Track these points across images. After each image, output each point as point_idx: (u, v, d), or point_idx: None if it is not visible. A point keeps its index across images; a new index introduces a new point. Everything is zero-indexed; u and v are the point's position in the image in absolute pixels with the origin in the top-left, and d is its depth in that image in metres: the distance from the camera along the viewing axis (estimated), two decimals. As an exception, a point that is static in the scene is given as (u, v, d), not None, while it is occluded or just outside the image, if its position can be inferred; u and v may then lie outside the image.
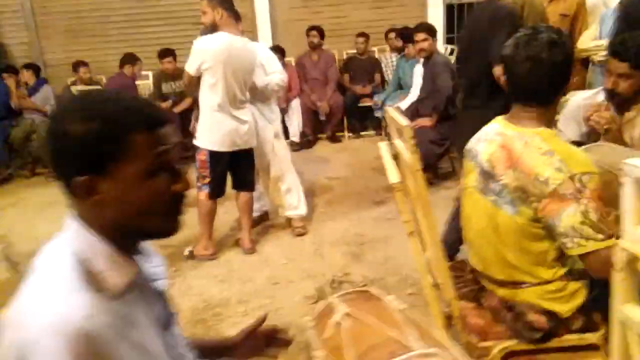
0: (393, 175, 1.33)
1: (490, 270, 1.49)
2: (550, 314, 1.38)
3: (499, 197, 1.40)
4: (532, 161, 1.32)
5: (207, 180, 3.08)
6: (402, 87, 5.47)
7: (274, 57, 3.52)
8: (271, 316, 2.00)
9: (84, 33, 6.41)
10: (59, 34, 6.44)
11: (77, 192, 0.81)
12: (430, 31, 3.96)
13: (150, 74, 5.92)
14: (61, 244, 0.85)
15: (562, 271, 1.39)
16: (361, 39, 6.06)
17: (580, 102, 2.13)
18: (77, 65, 5.70)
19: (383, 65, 6.22)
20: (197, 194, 3.12)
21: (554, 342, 1.38)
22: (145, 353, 0.83)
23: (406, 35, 5.22)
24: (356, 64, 6.15)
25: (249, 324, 1.18)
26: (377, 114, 5.63)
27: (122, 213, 0.83)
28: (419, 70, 4.47)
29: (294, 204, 3.57)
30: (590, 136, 2.05)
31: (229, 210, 3.81)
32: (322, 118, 5.92)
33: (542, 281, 1.39)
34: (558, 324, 1.38)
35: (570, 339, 1.39)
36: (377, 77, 6.15)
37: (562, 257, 1.39)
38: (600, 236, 1.23)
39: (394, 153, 1.60)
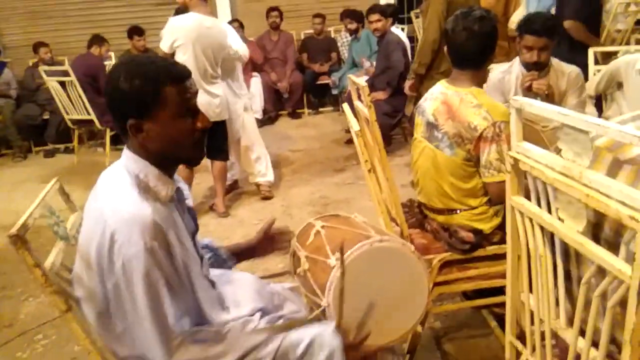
0: (355, 124, 1.70)
1: (432, 202, 1.89)
2: (476, 232, 1.80)
3: (440, 142, 1.80)
4: (466, 113, 1.71)
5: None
6: (356, 65, 5.83)
7: (237, 37, 3.80)
8: (250, 265, 2.36)
9: (43, 15, 6.43)
10: (17, 15, 6.43)
11: (129, 131, 1.14)
12: (383, 12, 4.33)
13: (112, 54, 6.03)
14: (120, 168, 1.18)
15: (485, 199, 1.80)
16: (318, 20, 6.38)
17: (499, 75, 2.55)
18: (37, 46, 5.74)
19: (339, 44, 6.56)
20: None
21: (480, 252, 1.81)
22: (182, 245, 1.18)
23: (357, 15, 5.58)
24: (313, 44, 6.48)
25: (261, 227, 1.55)
26: (335, 91, 5.98)
27: (162, 145, 1.15)
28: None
29: (263, 171, 3.91)
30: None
31: (201, 182, 4.12)
32: (285, 96, 6.23)
33: (471, 207, 1.81)
34: (482, 238, 1.80)
35: (491, 249, 1.81)
36: (334, 56, 6.49)
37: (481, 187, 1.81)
38: (505, 169, 1.64)
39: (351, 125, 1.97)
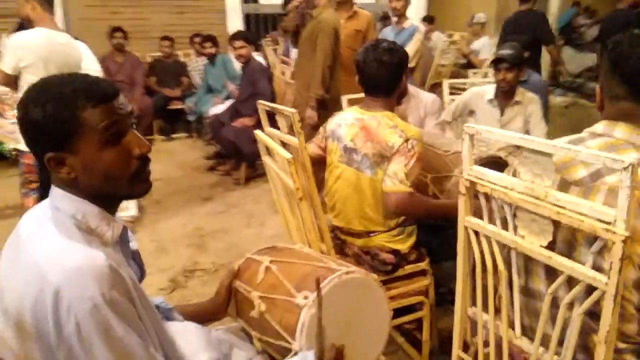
0: (285, 153, 1.64)
1: (351, 225, 1.91)
2: (395, 252, 1.87)
3: (360, 164, 1.83)
4: (384, 133, 1.78)
5: (35, 185, 2.89)
6: (212, 90, 5.70)
7: (92, 56, 3.45)
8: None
9: None
10: None
11: (50, 166, 0.94)
12: (247, 39, 4.33)
13: None
14: (49, 209, 0.97)
15: (401, 219, 1.89)
16: (166, 43, 6.10)
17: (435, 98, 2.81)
18: None
19: (190, 69, 6.36)
20: (24, 200, 2.91)
21: (399, 272, 1.88)
22: (139, 292, 1.00)
23: (214, 40, 5.50)
24: (162, 67, 6.17)
25: (220, 281, 1.36)
26: (191, 117, 5.75)
27: (92, 180, 0.96)
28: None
29: (124, 205, 3.54)
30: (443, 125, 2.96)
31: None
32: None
33: (389, 228, 1.87)
34: (401, 258, 1.88)
35: (409, 267, 1.90)
36: (185, 80, 6.26)
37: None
38: (407, 183, 1.74)
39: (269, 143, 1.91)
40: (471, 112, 3.20)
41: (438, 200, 1.93)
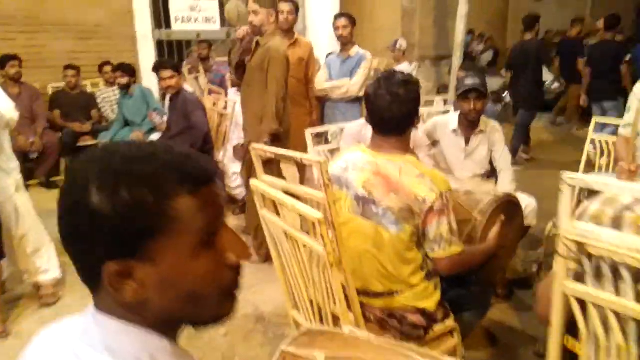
0: (314, 212, 1.35)
1: (369, 285, 1.66)
2: (422, 312, 1.65)
3: (382, 218, 1.59)
4: (410, 184, 1.56)
5: None
6: (128, 124, 5.16)
7: (1, 94, 2.90)
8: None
9: None
10: None
11: (108, 282, 0.61)
12: (176, 68, 3.93)
13: None
14: (90, 347, 0.62)
15: (423, 274, 1.67)
16: (71, 72, 5.46)
17: (357, 127, 2.59)
18: None
19: (99, 100, 5.74)
20: None
21: (430, 335, 1.65)
22: None
23: (129, 69, 5.01)
24: (67, 99, 5.50)
25: None
26: (107, 153, 5.14)
27: (169, 301, 0.64)
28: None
29: (44, 267, 2.99)
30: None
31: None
32: (33, 156, 5.03)
33: (413, 285, 1.64)
34: (428, 318, 1.66)
35: (438, 328, 1.68)
36: (95, 113, 5.64)
37: (421, 262, 1.67)
38: (456, 242, 1.56)
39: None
40: (435, 143, 3.11)
41: (480, 247, 1.75)
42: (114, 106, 5.63)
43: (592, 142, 3.11)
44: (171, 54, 7.03)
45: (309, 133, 2.79)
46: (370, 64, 3.73)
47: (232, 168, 4.23)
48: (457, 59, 8.17)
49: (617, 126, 3.21)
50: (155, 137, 4.49)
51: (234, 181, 4.29)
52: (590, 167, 3.10)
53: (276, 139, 3.13)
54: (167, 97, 4.22)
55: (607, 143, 3.01)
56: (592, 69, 5.67)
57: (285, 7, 3.45)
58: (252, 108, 3.17)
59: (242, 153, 3.18)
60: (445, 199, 1.56)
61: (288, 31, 3.57)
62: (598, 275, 1.04)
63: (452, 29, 9.30)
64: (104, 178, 0.60)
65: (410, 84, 1.65)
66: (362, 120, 2.64)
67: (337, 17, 3.72)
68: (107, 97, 5.72)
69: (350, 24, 3.69)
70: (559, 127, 7.92)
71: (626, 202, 1.15)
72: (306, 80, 3.81)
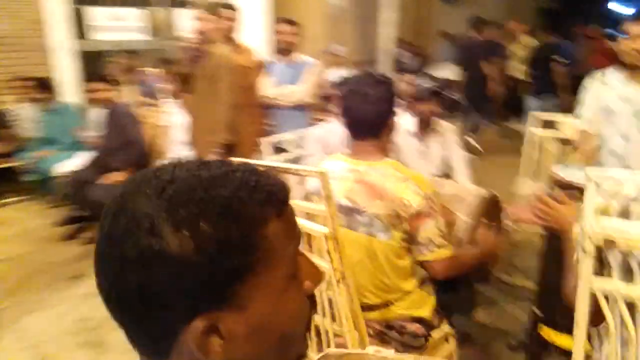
0: (319, 227, 1.25)
1: (364, 298, 1.58)
2: (419, 320, 1.60)
3: (371, 227, 1.52)
4: (396, 189, 1.50)
5: None
6: (50, 142, 4.74)
7: None
8: None
9: None
10: None
11: (193, 343, 0.49)
12: (110, 81, 3.66)
13: None
14: None
15: (416, 281, 1.63)
16: (-23, 88, 4.94)
17: (321, 132, 2.53)
18: None
19: (11, 118, 5.23)
20: None
21: (430, 342, 1.61)
22: None
23: (47, 85, 4.63)
24: (-26, 118, 4.97)
25: None
26: (30, 177, 4.67)
27: (256, 353, 0.53)
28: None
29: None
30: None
31: None
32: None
33: (407, 292, 1.59)
34: (427, 325, 1.61)
35: (437, 334, 1.64)
36: (6, 132, 5.13)
37: (414, 268, 1.63)
38: (447, 245, 1.53)
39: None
40: (392, 146, 3.13)
41: (472, 249, 1.72)
42: (30, 124, 5.15)
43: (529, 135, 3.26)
44: (88, 65, 6.61)
45: (266, 142, 2.68)
46: (317, 70, 3.67)
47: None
48: (385, 65, 8.39)
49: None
50: (82, 155, 4.15)
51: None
52: (532, 162, 3.24)
53: (228, 150, 2.99)
54: (99, 112, 3.92)
55: (547, 138, 3.15)
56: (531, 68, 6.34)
57: (228, 13, 3.32)
58: (203, 119, 3.01)
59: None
60: (432, 201, 1.52)
61: (230, 38, 3.43)
62: (622, 270, 1.04)
63: (377, 36, 9.55)
64: (176, 213, 0.48)
65: (382, 84, 1.60)
66: (326, 125, 2.58)
67: (280, 22, 3.63)
68: (20, 115, 5.23)
69: (295, 29, 3.62)
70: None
71: (630, 193, 1.17)
72: (250, 88, 3.68)
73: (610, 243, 1.03)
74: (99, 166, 3.77)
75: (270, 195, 0.53)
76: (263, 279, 0.51)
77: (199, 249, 0.47)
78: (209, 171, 0.52)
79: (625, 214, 1.18)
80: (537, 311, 2.08)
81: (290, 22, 3.61)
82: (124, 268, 0.48)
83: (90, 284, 3.26)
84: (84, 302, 3.03)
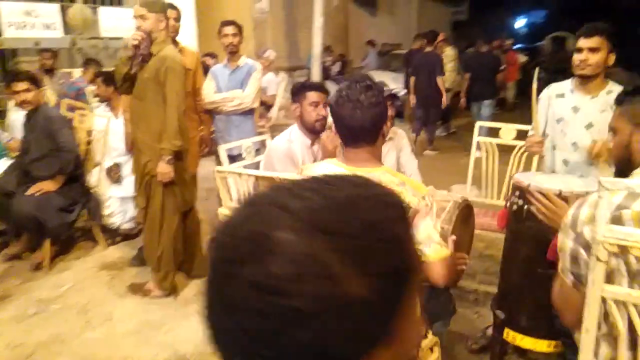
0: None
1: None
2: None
3: None
4: None
5: None
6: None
7: None
8: None
9: None
10: None
11: None
12: (32, 80, 3.32)
13: None
14: None
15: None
16: None
17: (284, 144, 2.45)
18: None
19: None
20: None
21: (420, 352, 1.59)
22: None
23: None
24: None
25: None
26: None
27: None
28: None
29: None
30: None
31: None
32: None
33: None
34: (416, 336, 1.60)
35: (425, 344, 1.63)
36: None
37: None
38: (446, 244, 1.52)
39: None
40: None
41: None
42: None
43: (477, 145, 3.38)
44: (4, 64, 6.04)
45: (222, 150, 2.55)
46: (261, 75, 3.58)
47: (107, 192, 3.72)
48: (316, 70, 8.41)
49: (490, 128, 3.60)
50: (2, 163, 3.74)
51: (108, 207, 3.77)
52: (477, 168, 3.36)
53: (176, 157, 2.82)
54: (21, 114, 3.56)
55: (491, 145, 3.29)
56: (472, 75, 6.85)
57: (171, 13, 3.14)
58: (148, 124, 2.81)
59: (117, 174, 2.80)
60: (429, 200, 1.52)
61: (173, 40, 3.25)
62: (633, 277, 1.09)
63: (303, 41, 9.58)
64: (344, 250, 0.42)
65: (371, 89, 1.57)
66: (286, 136, 2.50)
67: (224, 24, 3.49)
68: None
69: (239, 33, 3.50)
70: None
71: (618, 201, 1.23)
72: (194, 92, 3.52)
73: (624, 250, 1.07)
74: (22, 176, 3.41)
75: (401, 207, 0.49)
76: (409, 302, 0.47)
77: (372, 289, 0.41)
78: (341, 191, 0.46)
79: (616, 220, 1.22)
80: (500, 313, 2.14)
81: (235, 25, 3.50)
82: (293, 323, 0.40)
83: (18, 306, 2.94)
84: (15, 327, 2.72)
